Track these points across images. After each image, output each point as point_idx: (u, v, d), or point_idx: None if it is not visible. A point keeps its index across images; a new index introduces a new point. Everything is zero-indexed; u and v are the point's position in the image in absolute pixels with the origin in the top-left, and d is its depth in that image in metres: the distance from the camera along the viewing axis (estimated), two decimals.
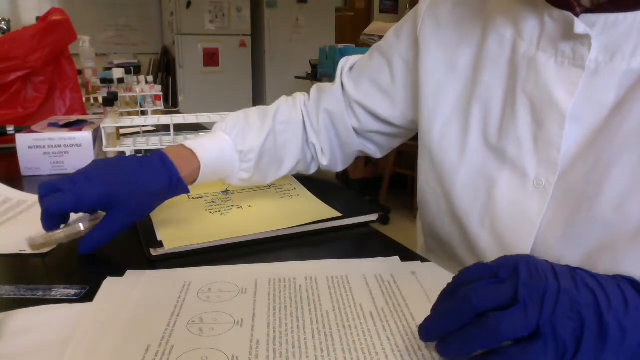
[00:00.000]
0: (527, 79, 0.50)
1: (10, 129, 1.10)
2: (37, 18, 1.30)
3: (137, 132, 1.12)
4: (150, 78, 1.54)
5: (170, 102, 4.25)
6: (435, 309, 0.37)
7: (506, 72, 0.53)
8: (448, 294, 0.37)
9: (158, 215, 0.62)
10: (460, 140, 0.56)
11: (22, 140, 0.87)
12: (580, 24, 0.45)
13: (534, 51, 0.50)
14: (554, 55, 0.48)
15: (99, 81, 1.56)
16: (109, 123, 0.93)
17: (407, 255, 0.55)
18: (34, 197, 0.74)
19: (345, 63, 0.73)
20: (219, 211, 0.65)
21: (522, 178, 0.50)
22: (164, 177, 0.56)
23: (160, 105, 1.46)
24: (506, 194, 0.52)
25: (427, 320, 0.37)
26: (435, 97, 0.60)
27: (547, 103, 0.48)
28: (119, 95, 1.33)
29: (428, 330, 0.37)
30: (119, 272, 0.53)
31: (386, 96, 0.68)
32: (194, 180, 0.62)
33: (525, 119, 0.50)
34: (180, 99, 4.41)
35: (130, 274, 0.50)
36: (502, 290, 0.33)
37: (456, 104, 0.58)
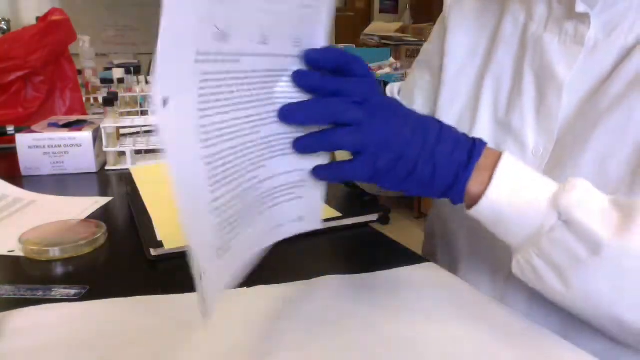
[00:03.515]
0: (534, 56, 0.54)
1: (10, 129, 1.10)
2: (37, 18, 1.30)
3: (137, 132, 1.12)
4: (150, 78, 1.54)
5: None
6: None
7: (517, 51, 0.57)
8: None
9: (158, 215, 0.62)
10: (472, 117, 0.59)
11: (22, 140, 0.87)
12: (581, 4, 0.49)
13: (541, 31, 0.54)
14: (558, 34, 0.52)
15: (99, 81, 1.56)
16: (109, 123, 0.93)
17: (407, 255, 0.55)
18: (31, 195, 0.75)
19: (392, 88, 0.77)
20: None
21: (521, 149, 0.54)
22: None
23: None
24: None
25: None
26: (456, 80, 0.63)
27: (549, 77, 0.52)
28: (119, 95, 1.33)
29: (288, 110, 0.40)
30: (119, 272, 0.53)
31: (433, 93, 0.69)
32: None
33: (530, 93, 0.54)
34: None
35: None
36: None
37: (472, 86, 0.61)
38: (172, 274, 0.52)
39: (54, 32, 1.17)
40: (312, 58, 0.40)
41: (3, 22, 1.62)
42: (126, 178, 0.79)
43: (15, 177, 0.84)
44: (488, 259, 0.57)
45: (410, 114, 0.43)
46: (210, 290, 0.34)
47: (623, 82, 0.47)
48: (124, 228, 0.64)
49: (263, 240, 0.42)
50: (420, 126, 0.42)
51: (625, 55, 0.48)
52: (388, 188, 0.42)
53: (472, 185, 0.42)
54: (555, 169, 0.50)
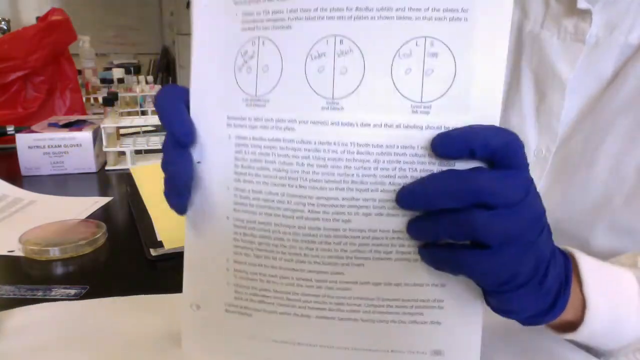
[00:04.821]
0: (532, 55, 0.53)
1: (10, 129, 1.10)
2: (37, 18, 1.30)
3: (137, 132, 1.12)
4: (150, 78, 1.54)
5: None
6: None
7: (512, 50, 0.56)
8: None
9: (158, 215, 0.62)
10: None
11: (22, 140, 0.87)
12: (583, 0, 0.48)
13: (538, 29, 0.53)
14: (556, 32, 0.52)
15: (99, 81, 1.56)
16: (109, 123, 0.93)
17: None
18: (31, 195, 0.75)
19: None
20: None
21: None
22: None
23: None
24: None
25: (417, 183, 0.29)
26: None
27: (550, 76, 0.51)
28: (119, 95, 1.33)
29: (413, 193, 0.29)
30: (119, 272, 0.53)
31: None
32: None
33: (529, 92, 0.53)
34: None
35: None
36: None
37: None
38: (172, 274, 0.52)
39: (54, 32, 1.17)
40: (453, 140, 0.28)
41: (3, 22, 1.62)
42: (126, 178, 0.79)
43: (15, 177, 0.84)
44: None
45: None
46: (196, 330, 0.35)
47: (633, 83, 0.46)
48: (124, 228, 0.64)
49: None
50: (549, 230, 0.32)
51: (631, 54, 0.47)
52: (502, 304, 0.31)
53: (566, 312, 0.33)
54: (563, 173, 0.50)
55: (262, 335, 0.33)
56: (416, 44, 0.28)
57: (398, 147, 0.29)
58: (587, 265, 0.35)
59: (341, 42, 0.28)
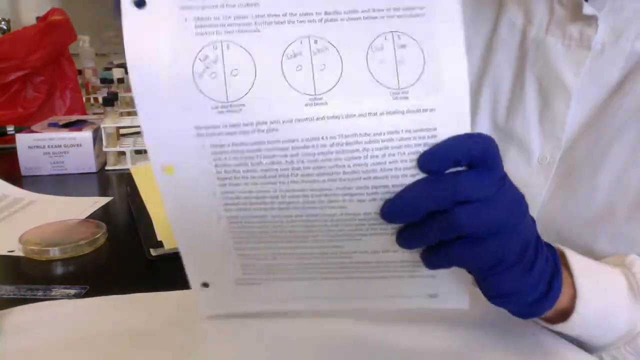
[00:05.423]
0: (536, 61, 0.53)
1: (10, 129, 1.10)
2: (37, 18, 1.30)
3: (137, 132, 1.12)
4: None
5: None
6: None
7: (516, 56, 0.55)
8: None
9: (158, 215, 0.62)
10: (471, 125, 0.58)
11: (22, 140, 0.87)
12: (588, 6, 0.48)
13: (542, 35, 0.53)
14: (561, 38, 0.51)
15: (99, 81, 1.56)
16: (109, 123, 0.93)
17: None
18: (31, 195, 0.75)
19: None
20: None
21: (527, 155, 0.52)
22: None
23: None
24: (512, 172, 0.53)
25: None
26: None
27: (554, 82, 0.51)
28: (119, 95, 1.33)
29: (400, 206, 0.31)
30: (119, 272, 0.53)
31: None
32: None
33: (533, 99, 0.53)
34: None
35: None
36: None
37: (470, 94, 0.59)
38: (172, 274, 0.52)
39: (54, 32, 1.17)
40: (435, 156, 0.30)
41: (3, 22, 1.62)
42: (126, 178, 0.79)
43: (15, 177, 0.84)
44: None
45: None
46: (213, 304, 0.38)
47: (637, 95, 0.46)
48: (124, 228, 0.64)
49: (358, 301, 0.37)
50: (532, 219, 0.35)
51: (638, 61, 0.46)
52: (494, 288, 0.33)
53: (559, 300, 0.35)
54: (567, 181, 0.49)
55: (273, 298, 0.37)
56: (385, 38, 0.30)
57: (384, 133, 0.30)
58: (575, 258, 0.38)
59: (315, 42, 0.30)
